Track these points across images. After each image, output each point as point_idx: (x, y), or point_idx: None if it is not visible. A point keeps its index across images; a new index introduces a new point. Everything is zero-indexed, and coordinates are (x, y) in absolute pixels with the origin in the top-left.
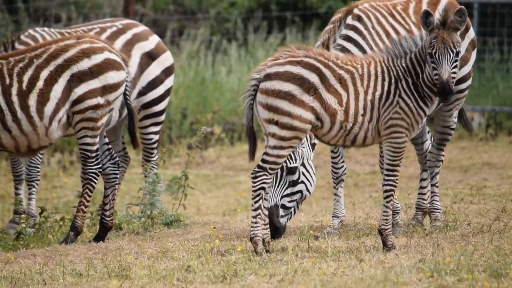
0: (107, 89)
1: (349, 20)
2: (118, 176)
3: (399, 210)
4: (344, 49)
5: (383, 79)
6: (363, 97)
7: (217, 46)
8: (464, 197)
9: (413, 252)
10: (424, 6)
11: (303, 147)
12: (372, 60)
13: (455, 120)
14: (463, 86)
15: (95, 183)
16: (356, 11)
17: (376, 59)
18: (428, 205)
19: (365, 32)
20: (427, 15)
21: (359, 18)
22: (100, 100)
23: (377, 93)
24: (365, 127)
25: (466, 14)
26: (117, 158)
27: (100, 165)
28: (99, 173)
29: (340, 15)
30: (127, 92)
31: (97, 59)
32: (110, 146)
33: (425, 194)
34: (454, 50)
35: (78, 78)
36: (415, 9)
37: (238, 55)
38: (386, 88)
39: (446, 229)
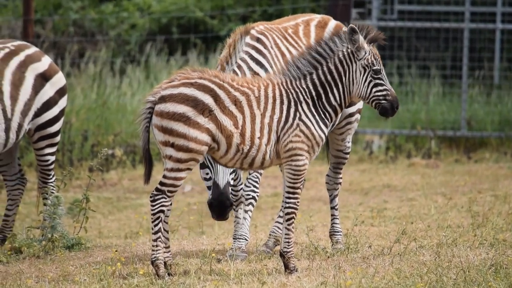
0: None
1: (248, 40)
2: None
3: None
4: (248, 68)
5: (282, 102)
6: (260, 120)
7: (119, 68)
8: (365, 219)
9: (315, 275)
10: (312, 30)
11: None
12: (270, 83)
13: (349, 144)
14: (353, 109)
15: None
16: (253, 32)
17: (274, 82)
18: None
19: (265, 51)
20: (352, 32)
21: (257, 39)
22: None
23: (275, 116)
24: (263, 149)
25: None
26: None
27: None
28: None
29: (237, 36)
30: None
31: None
32: None
33: (281, 223)
34: None
35: None
36: (304, 32)
37: (141, 77)
38: (285, 111)
39: (348, 251)
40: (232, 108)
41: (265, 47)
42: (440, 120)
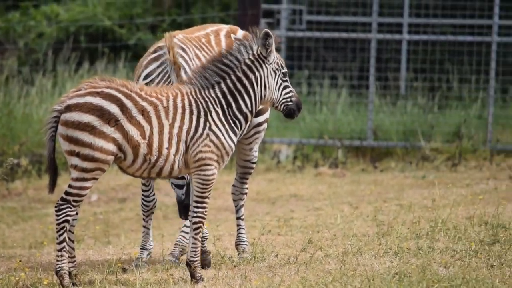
0: None
1: (176, 48)
2: None
3: (207, 236)
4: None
5: (191, 112)
6: (168, 130)
7: (26, 77)
8: (271, 228)
9: (221, 284)
10: (222, 39)
11: None
12: (179, 92)
13: (256, 154)
14: (261, 119)
15: None
16: (176, 41)
17: (183, 91)
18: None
19: (190, 63)
20: (267, 36)
21: (182, 49)
22: None
23: (185, 126)
24: (171, 159)
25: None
26: None
27: None
28: None
29: (170, 40)
30: None
31: None
32: None
33: (187, 232)
34: None
35: None
36: (216, 42)
37: (48, 86)
38: (194, 121)
39: (254, 260)
40: (139, 118)
41: (189, 58)
42: (347, 130)
